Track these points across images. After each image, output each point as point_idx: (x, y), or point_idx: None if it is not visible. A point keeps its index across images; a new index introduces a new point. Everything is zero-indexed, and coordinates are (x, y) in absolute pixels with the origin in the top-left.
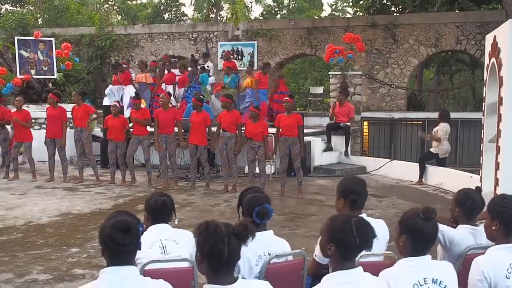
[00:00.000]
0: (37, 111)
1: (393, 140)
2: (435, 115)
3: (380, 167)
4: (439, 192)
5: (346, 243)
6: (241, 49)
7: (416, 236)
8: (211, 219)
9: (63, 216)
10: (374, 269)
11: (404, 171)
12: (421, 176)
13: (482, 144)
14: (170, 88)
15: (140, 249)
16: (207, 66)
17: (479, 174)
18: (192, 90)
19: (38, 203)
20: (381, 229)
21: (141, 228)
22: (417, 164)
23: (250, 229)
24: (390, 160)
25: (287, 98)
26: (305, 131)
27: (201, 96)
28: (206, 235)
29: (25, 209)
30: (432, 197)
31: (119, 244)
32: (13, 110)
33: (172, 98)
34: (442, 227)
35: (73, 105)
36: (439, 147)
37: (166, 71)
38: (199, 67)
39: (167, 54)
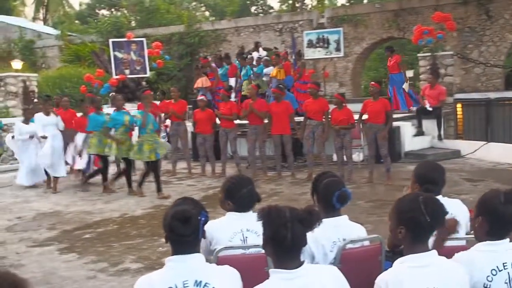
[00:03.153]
0: (132, 109)
1: (490, 122)
2: None
3: (476, 150)
4: None
5: (416, 222)
6: (327, 36)
7: (494, 219)
8: (274, 204)
9: (156, 208)
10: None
11: (502, 153)
12: None
13: None
14: (232, 81)
15: (204, 238)
16: (260, 55)
17: None
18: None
19: (133, 196)
20: (459, 209)
21: (203, 218)
22: None
23: (316, 215)
24: (486, 142)
25: (373, 83)
26: (395, 116)
27: (280, 86)
28: (269, 220)
29: (121, 202)
30: None
31: (179, 235)
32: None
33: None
34: None
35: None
36: None
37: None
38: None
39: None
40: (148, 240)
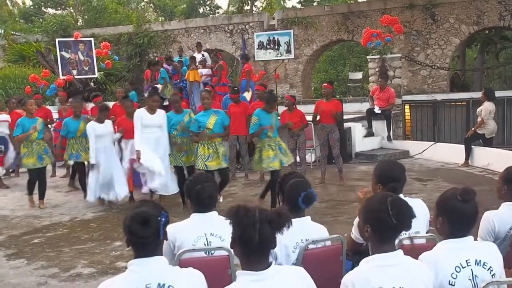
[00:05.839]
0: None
1: (436, 123)
2: (479, 95)
3: (424, 151)
4: (486, 174)
5: (381, 223)
6: (278, 38)
7: (454, 219)
8: (243, 203)
9: (107, 211)
10: (416, 252)
11: (449, 153)
12: (467, 158)
13: None
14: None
15: (166, 239)
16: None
17: None
18: (183, 84)
19: (83, 200)
20: (420, 209)
21: (163, 219)
22: (463, 146)
23: (284, 217)
24: (433, 142)
25: (326, 84)
26: (345, 117)
27: (235, 88)
28: (237, 219)
29: (71, 205)
30: (479, 178)
31: (138, 237)
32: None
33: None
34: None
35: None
36: (485, 127)
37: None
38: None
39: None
40: (100, 244)
